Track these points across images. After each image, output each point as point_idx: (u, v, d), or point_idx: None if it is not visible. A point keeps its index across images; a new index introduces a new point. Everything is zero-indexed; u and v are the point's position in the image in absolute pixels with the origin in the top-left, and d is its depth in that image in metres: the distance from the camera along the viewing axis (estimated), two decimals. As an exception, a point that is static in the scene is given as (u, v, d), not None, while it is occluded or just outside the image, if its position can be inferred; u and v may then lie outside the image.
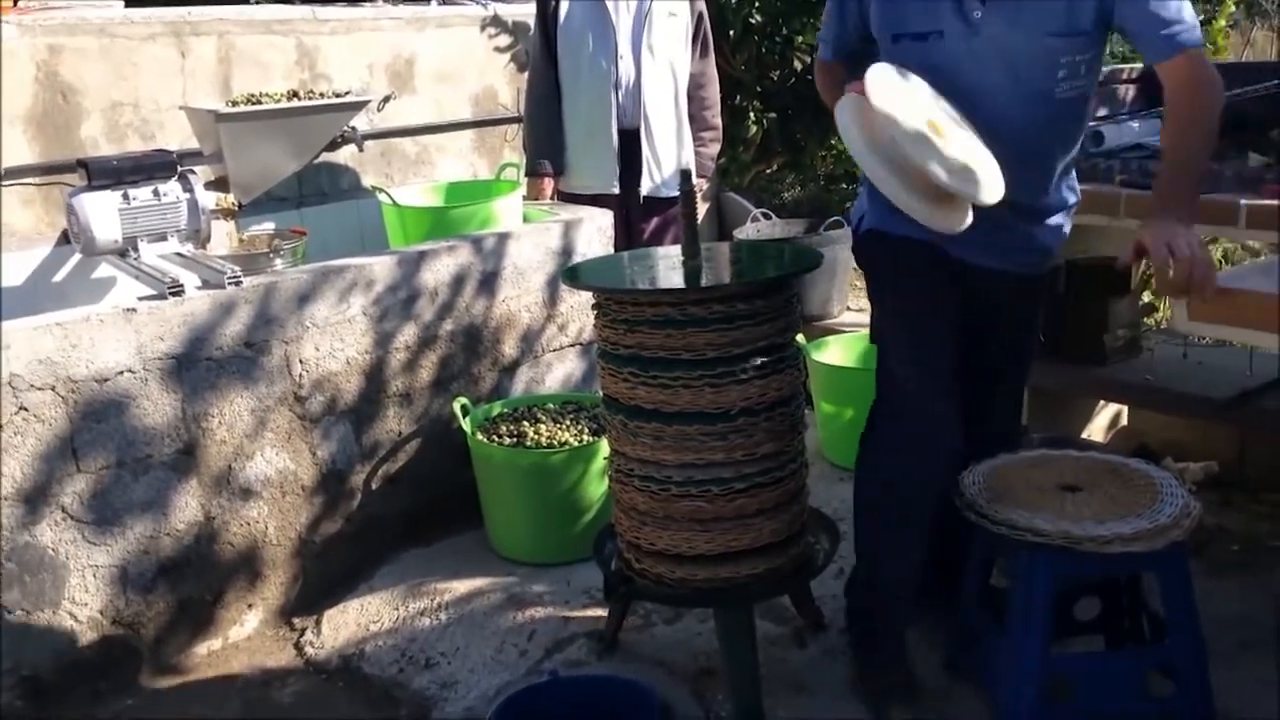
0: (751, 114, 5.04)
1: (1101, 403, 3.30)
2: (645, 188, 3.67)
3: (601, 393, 2.33)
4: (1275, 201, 2.41)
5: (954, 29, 2.06)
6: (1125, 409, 3.39)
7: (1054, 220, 2.23)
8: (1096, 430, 3.33)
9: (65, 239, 3.40)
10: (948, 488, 2.20)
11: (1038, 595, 2.06)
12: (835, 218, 4.26)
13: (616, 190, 3.65)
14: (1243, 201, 2.44)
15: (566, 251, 3.36)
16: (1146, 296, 3.89)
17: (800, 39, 5.03)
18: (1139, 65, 3.30)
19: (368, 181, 4.13)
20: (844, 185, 7.11)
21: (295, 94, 3.51)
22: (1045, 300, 2.34)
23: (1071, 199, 2.26)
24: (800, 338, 2.29)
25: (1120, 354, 2.97)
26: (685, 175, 2.28)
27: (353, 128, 3.66)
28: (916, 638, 2.46)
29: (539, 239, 3.31)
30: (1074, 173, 2.26)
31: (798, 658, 2.51)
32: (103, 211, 2.97)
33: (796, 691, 2.38)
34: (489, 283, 3.20)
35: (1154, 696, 2.17)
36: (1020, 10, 2.01)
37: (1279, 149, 2.69)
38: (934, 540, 2.25)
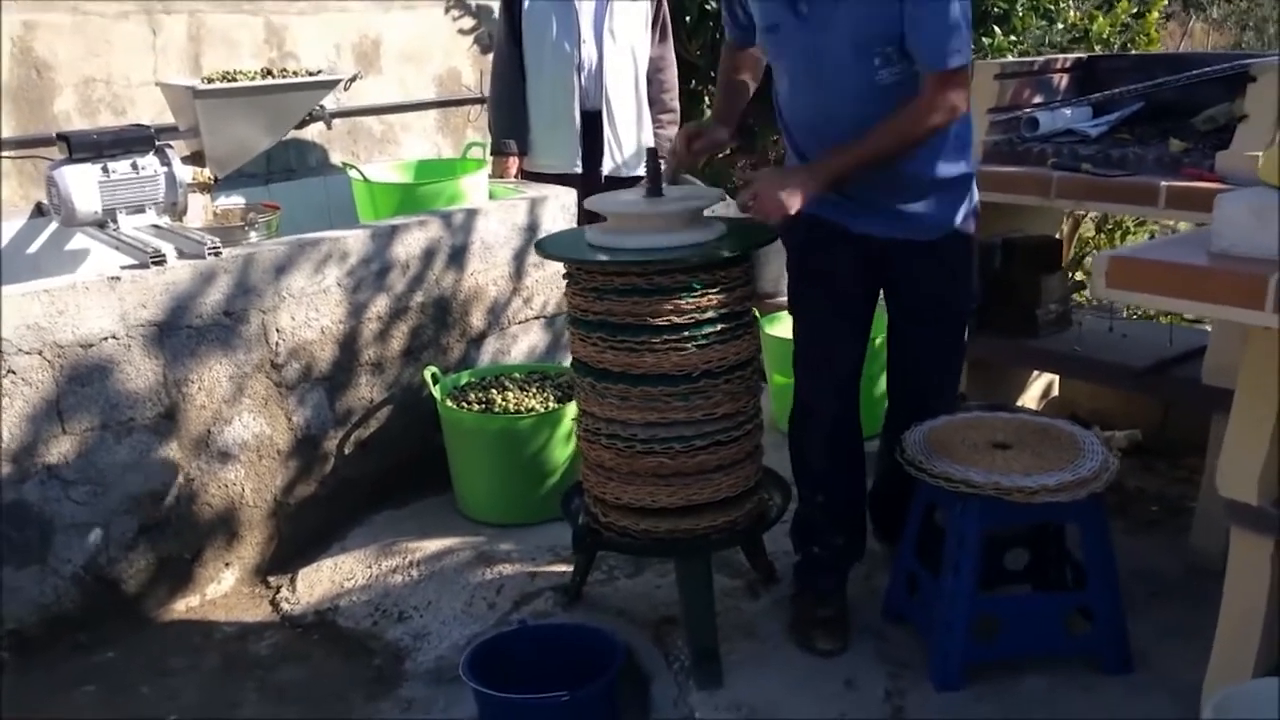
0: (706, 98, 5.18)
1: (1035, 373, 3.51)
2: (607, 167, 3.80)
3: (571, 356, 2.48)
4: (1191, 183, 2.62)
5: (788, 23, 2.31)
6: (1057, 380, 3.60)
7: (935, 192, 2.39)
8: (1030, 400, 3.53)
9: (39, 211, 3.48)
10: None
11: (969, 541, 2.25)
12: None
13: (579, 170, 3.78)
14: (1163, 183, 2.64)
15: (532, 228, 3.50)
16: (1080, 274, 4.11)
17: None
18: (1071, 55, 3.50)
19: (335, 159, 4.23)
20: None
21: (269, 72, 3.61)
22: (962, 269, 2.51)
23: (952, 172, 2.39)
24: (754, 312, 2.47)
25: (1051, 327, 3.17)
26: (652, 153, 2.43)
27: (321, 106, 3.77)
28: (857, 587, 2.67)
29: (506, 215, 3.45)
30: (960, 150, 2.40)
31: (750, 607, 2.68)
32: (83, 184, 3.05)
33: (748, 637, 2.55)
34: (458, 257, 3.33)
35: (1075, 636, 2.37)
36: (836, 8, 2.23)
37: (1198, 135, 2.89)
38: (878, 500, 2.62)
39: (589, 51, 3.72)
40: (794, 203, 2.21)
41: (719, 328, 2.31)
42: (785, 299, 2.70)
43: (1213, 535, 2.69)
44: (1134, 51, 4.96)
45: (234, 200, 3.72)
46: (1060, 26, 5.13)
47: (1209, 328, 3.13)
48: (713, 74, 5.28)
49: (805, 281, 2.53)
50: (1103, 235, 4.40)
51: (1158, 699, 2.24)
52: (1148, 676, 2.32)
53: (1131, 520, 3.01)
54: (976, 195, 2.50)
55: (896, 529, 2.58)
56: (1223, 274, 1.77)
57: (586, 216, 3.68)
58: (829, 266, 2.46)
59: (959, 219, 2.44)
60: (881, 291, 2.56)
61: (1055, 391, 3.62)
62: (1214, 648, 2.10)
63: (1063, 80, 3.28)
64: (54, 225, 3.37)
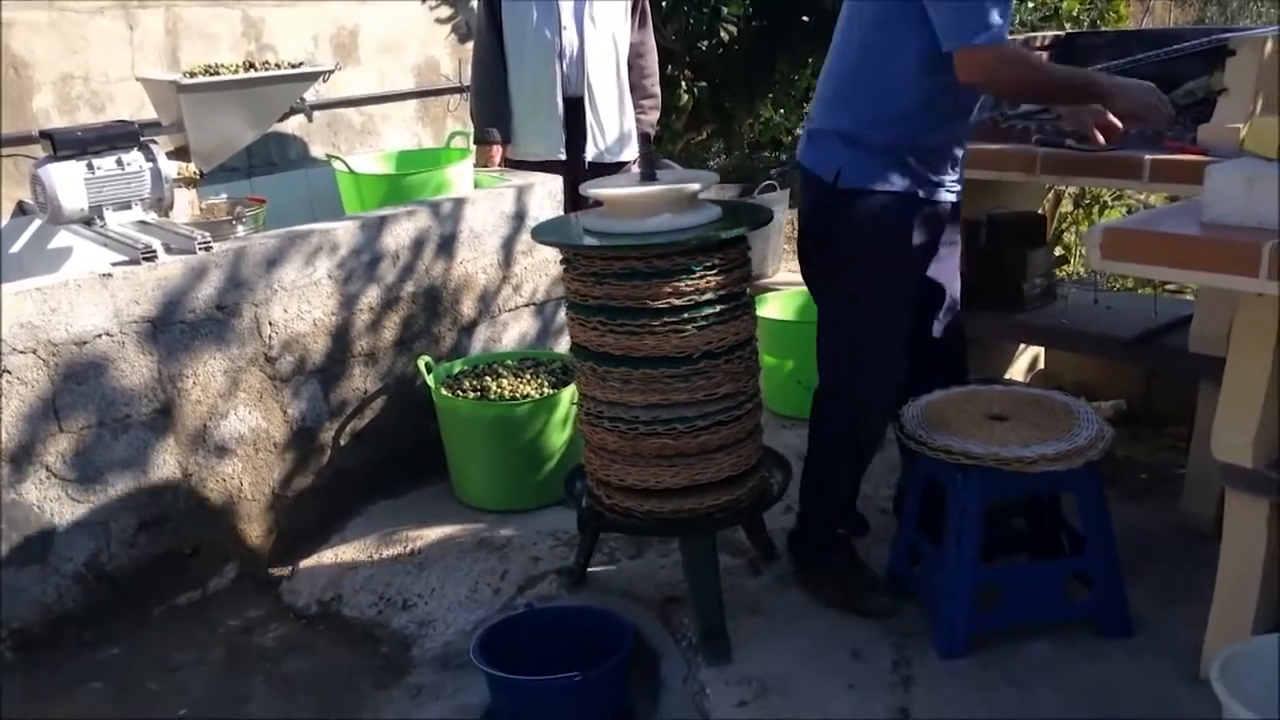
0: (682, 83, 5.21)
1: (1021, 347, 3.56)
2: (590, 154, 3.81)
3: (571, 341, 2.50)
4: (1174, 156, 2.66)
5: None
6: (1042, 353, 3.65)
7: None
8: (1016, 373, 3.58)
9: (20, 210, 3.46)
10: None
11: (970, 511, 2.29)
12: (769, 181, 4.46)
13: (563, 157, 3.79)
14: (1146, 157, 2.68)
15: (520, 215, 3.51)
16: (1059, 249, 4.17)
17: (726, 10, 5.20)
18: (1050, 33, 3.54)
19: (315, 151, 4.22)
20: (767, 153, 7.33)
21: (251, 65, 3.59)
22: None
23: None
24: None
25: (1037, 301, 3.21)
26: (645, 138, 2.46)
27: (302, 98, 3.76)
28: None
29: (493, 204, 3.46)
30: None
31: (753, 584, 2.71)
32: (68, 181, 3.03)
33: (753, 613, 2.58)
34: (447, 246, 3.34)
35: (1075, 602, 2.42)
36: None
37: (1177, 109, 2.93)
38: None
39: (570, 38, 3.72)
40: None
41: (718, 309, 2.34)
42: (770, 281, 2.73)
43: (1203, 499, 2.75)
44: (1104, 28, 5.02)
45: (218, 195, 3.70)
46: (1030, 4, 5.19)
47: (1191, 297, 3.19)
48: (689, 59, 5.32)
49: (900, 265, 2.48)
50: (1081, 210, 4.46)
51: (1159, 660, 2.30)
52: (1148, 639, 2.37)
53: (1122, 488, 3.07)
54: None
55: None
56: (1216, 243, 1.81)
57: (573, 203, 3.72)
58: (925, 247, 2.52)
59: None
60: None
61: (1041, 364, 3.68)
62: (1213, 609, 2.15)
63: (1043, 57, 3.32)
64: (37, 224, 3.35)
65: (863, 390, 2.52)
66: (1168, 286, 3.62)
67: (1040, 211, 3.65)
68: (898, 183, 2.41)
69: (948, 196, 2.52)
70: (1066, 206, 4.60)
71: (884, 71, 2.36)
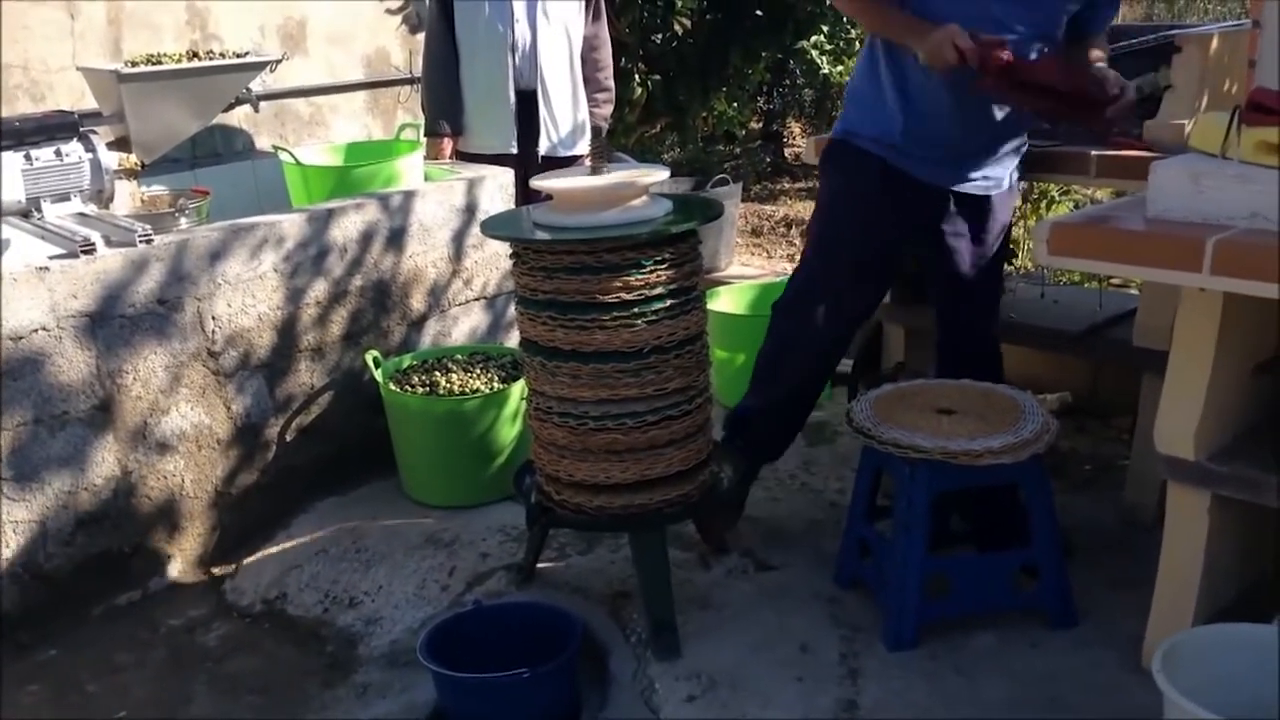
0: (636, 76, 5.20)
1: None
2: (543, 147, 3.78)
3: (520, 335, 2.47)
4: (1121, 152, 2.69)
5: None
6: (990, 347, 3.68)
7: (1006, 152, 2.63)
8: (965, 367, 3.61)
9: (-46, 202, 3.37)
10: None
11: (918, 503, 2.31)
12: (721, 175, 4.46)
13: (515, 150, 3.76)
14: (1093, 153, 2.71)
15: (470, 209, 3.47)
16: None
17: (680, 3, 5.20)
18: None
19: (262, 142, 4.16)
20: (721, 146, 7.35)
21: (195, 54, 3.53)
22: (1006, 222, 2.73)
23: (1021, 137, 2.67)
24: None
25: (985, 295, 3.24)
26: (597, 132, 2.44)
27: (248, 89, 3.70)
28: (808, 554, 2.73)
29: (444, 197, 3.42)
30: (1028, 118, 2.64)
31: (703, 579, 2.71)
32: (5, 172, 2.96)
33: (702, 608, 2.58)
34: (396, 239, 3.30)
35: (1021, 592, 2.44)
36: None
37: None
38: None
39: (523, 31, 3.70)
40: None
41: (668, 303, 2.33)
42: (722, 274, 2.74)
43: (1145, 490, 2.79)
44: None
45: (156, 188, 3.64)
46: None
47: (1136, 292, 3.23)
48: (642, 52, 5.31)
49: (842, 218, 2.61)
50: (1029, 205, 4.51)
51: (1102, 650, 2.32)
52: (1092, 629, 2.39)
53: (1067, 480, 3.10)
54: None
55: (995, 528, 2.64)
56: (1161, 238, 1.83)
57: (524, 197, 3.69)
58: (885, 211, 2.58)
59: (1015, 178, 2.71)
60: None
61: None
62: (1154, 599, 2.18)
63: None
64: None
65: (789, 325, 2.66)
66: (1113, 281, 3.66)
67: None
68: (866, 143, 2.59)
69: (940, 181, 2.59)
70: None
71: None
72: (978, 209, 2.65)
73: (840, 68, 5.95)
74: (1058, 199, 4.57)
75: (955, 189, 2.61)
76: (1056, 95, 2.35)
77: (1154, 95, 2.79)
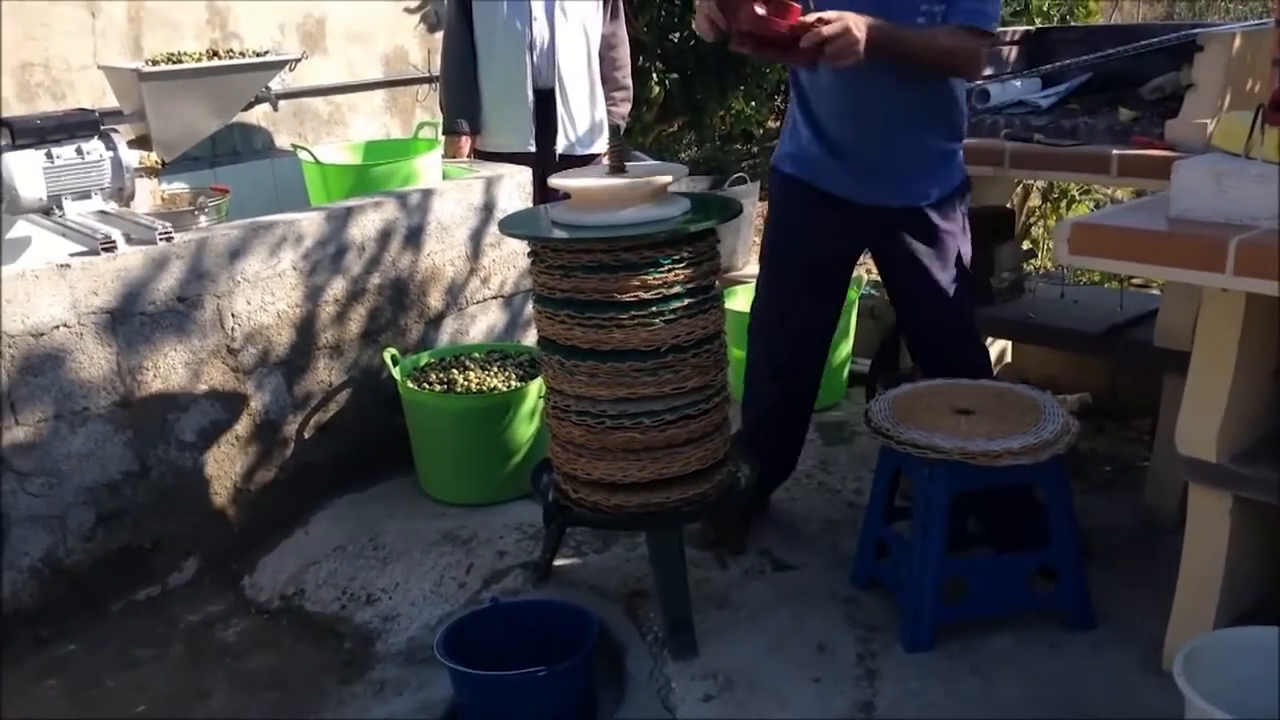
0: (653, 75, 5.19)
1: (989, 340, 3.56)
2: (561, 146, 3.78)
3: (538, 334, 2.47)
4: (1142, 151, 2.68)
5: None
6: (1010, 347, 3.66)
7: (922, 163, 2.55)
8: (984, 368, 3.59)
9: (-23, 199, 3.39)
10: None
11: (937, 504, 2.30)
12: (739, 174, 4.45)
13: (533, 148, 3.77)
14: (1114, 152, 2.69)
15: (488, 207, 3.48)
16: (1027, 244, 4.19)
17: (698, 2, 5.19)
18: (1020, 28, 3.55)
19: (281, 141, 4.17)
20: (739, 145, 7.33)
21: (215, 53, 3.55)
22: (948, 235, 2.62)
23: (942, 148, 2.58)
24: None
25: (1005, 295, 3.22)
26: (614, 130, 2.44)
27: (267, 87, 3.72)
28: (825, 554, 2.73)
29: (461, 195, 3.43)
30: (952, 128, 2.58)
31: (720, 578, 2.70)
32: (27, 170, 2.98)
33: (719, 607, 2.57)
34: (414, 237, 3.31)
35: (1040, 594, 2.43)
36: None
37: (1145, 104, 2.95)
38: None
39: (541, 29, 3.70)
40: (862, 49, 2.20)
41: (686, 302, 2.32)
42: (740, 274, 2.74)
43: (1166, 492, 2.77)
44: (1073, 23, 5.04)
45: (176, 186, 3.66)
46: (1001, -1, 5.19)
47: (1157, 292, 3.21)
48: (659, 51, 5.31)
49: (780, 242, 2.61)
50: (1049, 204, 4.49)
51: (1121, 652, 2.31)
52: (1111, 630, 2.38)
53: (1087, 481, 3.08)
54: (963, 170, 2.65)
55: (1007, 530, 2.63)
56: (1183, 238, 1.82)
57: (541, 195, 3.69)
58: (805, 229, 2.57)
59: (942, 190, 2.57)
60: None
61: (1008, 358, 3.69)
62: (1175, 602, 2.17)
63: (1012, 52, 3.33)
64: (-4, 213, 3.29)
65: (755, 345, 2.68)
66: (1134, 281, 3.65)
67: (1009, 205, 3.66)
68: (783, 161, 2.67)
69: (860, 197, 2.55)
70: (1035, 201, 4.62)
71: None
72: (915, 223, 2.58)
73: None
74: (1078, 198, 4.54)
75: (880, 204, 2.56)
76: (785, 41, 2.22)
77: (1176, 94, 2.77)
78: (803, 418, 2.87)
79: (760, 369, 2.80)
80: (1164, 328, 2.76)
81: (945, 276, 2.62)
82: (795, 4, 2.18)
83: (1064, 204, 4.51)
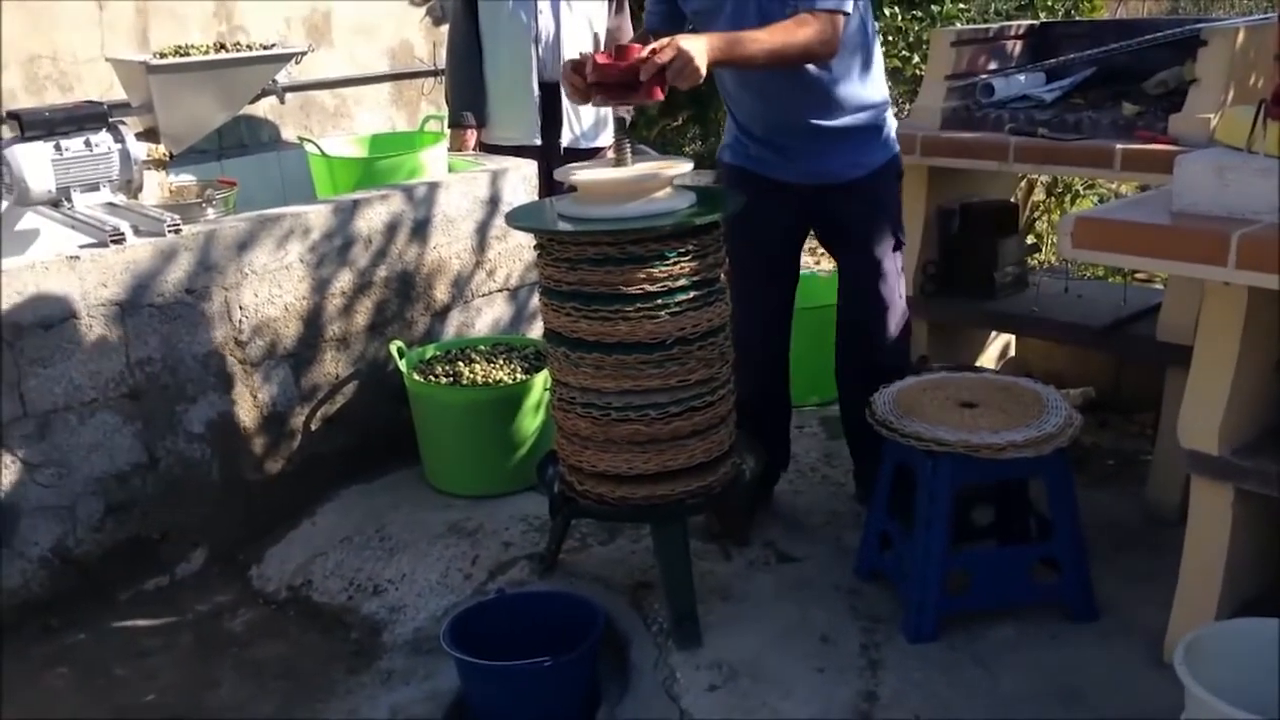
0: (659, 69, 5.19)
1: (993, 334, 3.57)
2: (566, 139, 3.79)
3: (544, 327, 2.49)
4: (1146, 145, 2.68)
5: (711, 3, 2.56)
6: (1013, 341, 3.68)
7: (843, 140, 2.66)
8: (987, 360, 3.60)
9: (-14, 191, 3.41)
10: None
11: (940, 497, 2.31)
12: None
13: (538, 142, 3.78)
14: (1118, 146, 2.70)
15: (494, 200, 3.49)
16: (1031, 238, 4.19)
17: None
18: (1024, 22, 3.56)
19: (288, 134, 4.19)
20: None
21: (223, 46, 3.56)
22: (883, 204, 2.75)
23: (857, 121, 2.67)
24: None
25: (1009, 289, 3.24)
26: (620, 123, 2.45)
27: (273, 80, 3.73)
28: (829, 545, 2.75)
29: (468, 188, 3.44)
30: (857, 103, 2.66)
31: (724, 569, 2.72)
32: (36, 162, 2.99)
33: (724, 599, 2.59)
34: (420, 230, 3.32)
35: (1042, 586, 2.44)
36: None
37: (1149, 99, 2.96)
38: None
39: (546, 22, 3.71)
40: (702, 63, 2.27)
41: (691, 295, 2.34)
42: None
43: (1168, 486, 2.78)
44: (1078, 18, 5.04)
45: (183, 178, 3.67)
46: (1005, -6, 5.21)
47: (1161, 286, 3.22)
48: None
49: (735, 228, 2.62)
50: (1053, 199, 4.49)
51: (1123, 644, 2.32)
52: (1113, 623, 2.39)
53: (1090, 475, 3.09)
54: (893, 141, 2.76)
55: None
56: (1186, 232, 1.83)
57: (547, 189, 3.71)
58: (754, 213, 2.60)
59: (873, 162, 2.70)
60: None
61: (1012, 352, 3.70)
62: (1177, 594, 2.18)
63: (1016, 47, 3.34)
64: (3, 205, 3.30)
65: (735, 331, 2.61)
66: (1138, 275, 3.65)
67: (1013, 200, 3.67)
68: (724, 151, 2.82)
69: (790, 176, 2.69)
70: (1039, 195, 4.62)
71: None
72: (847, 197, 2.70)
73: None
74: (1083, 193, 4.54)
75: (809, 183, 2.69)
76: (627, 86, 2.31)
77: (1180, 89, 2.78)
78: (783, 402, 2.96)
79: (741, 354, 2.77)
80: (1167, 322, 2.77)
81: (877, 241, 2.74)
82: (634, 45, 2.31)
83: (1068, 199, 4.52)
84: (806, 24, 2.40)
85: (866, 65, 2.64)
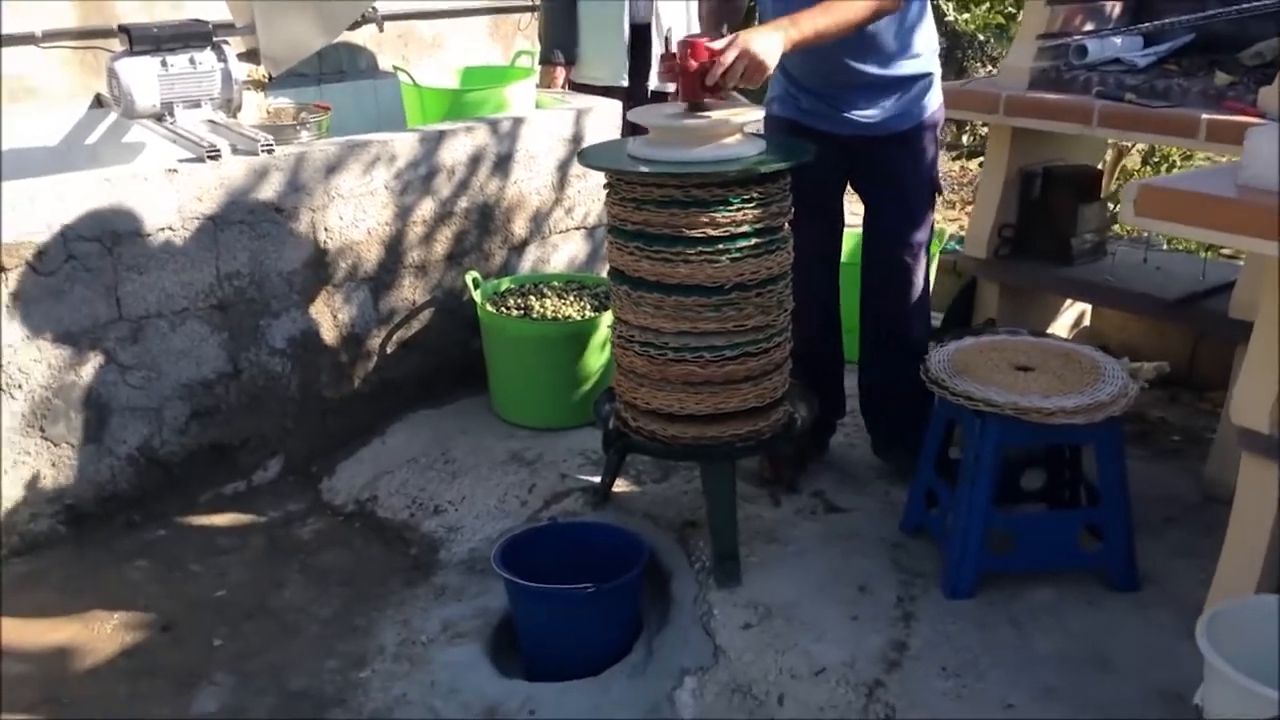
0: (756, 13, 5.15)
1: (1067, 303, 3.53)
2: (653, 82, 3.81)
3: (609, 264, 2.55)
4: (1232, 117, 2.62)
5: None
6: (1089, 311, 3.62)
7: (894, 91, 2.67)
8: (1060, 328, 3.55)
9: (98, 102, 3.57)
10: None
11: (986, 457, 2.32)
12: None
13: (625, 83, 3.81)
14: (1204, 116, 2.64)
15: (577, 139, 3.54)
16: (1115, 206, 4.08)
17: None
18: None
19: (385, 62, 4.27)
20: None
21: (324, -28, 3.64)
22: (925, 154, 2.76)
23: (907, 71, 2.66)
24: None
25: (1086, 256, 3.19)
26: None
27: (374, 8, 3.81)
28: (877, 500, 2.79)
29: (551, 125, 3.50)
30: (911, 53, 2.66)
31: (771, 515, 2.77)
32: (142, 77, 3.13)
33: (768, 542, 2.64)
34: (503, 164, 3.39)
35: (1085, 552, 2.45)
36: None
37: (1244, 69, 2.87)
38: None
39: (640, -36, 3.72)
40: (771, 62, 2.32)
41: (753, 242, 2.37)
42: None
43: (1228, 466, 2.72)
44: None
45: (280, 101, 3.79)
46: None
47: (1242, 262, 3.14)
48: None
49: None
50: (1149, 168, 4.37)
51: (1160, 615, 2.32)
52: (1153, 594, 2.39)
53: (1153, 449, 3.06)
54: (939, 91, 2.76)
55: (885, 442, 2.86)
56: (1244, 205, 1.80)
57: (630, 129, 3.74)
58: (805, 165, 2.59)
59: (920, 113, 2.71)
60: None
61: (1087, 321, 3.65)
62: (1218, 569, 2.17)
63: (1115, 8, 3.26)
64: (113, 117, 3.46)
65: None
66: (1222, 250, 3.56)
67: (1100, 166, 3.60)
68: (770, 104, 2.82)
69: (834, 128, 2.69)
70: (1135, 163, 4.50)
71: None
72: (888, 148, 2.71)
73: (967, 15, 5.80)
74: (1179, 163, 4.42)
75: (862, 134, 2.69)
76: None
77: (1275, 61, 2.70)
78: (836, 352, 2.97)
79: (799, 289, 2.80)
80: (1239, 298, 2.72)
81: (917, 192, 2.77)
82: (699, 42, 2.34)
83: (1164, 168, 4.40)
84: None
85: (922, 13, 2.65)
